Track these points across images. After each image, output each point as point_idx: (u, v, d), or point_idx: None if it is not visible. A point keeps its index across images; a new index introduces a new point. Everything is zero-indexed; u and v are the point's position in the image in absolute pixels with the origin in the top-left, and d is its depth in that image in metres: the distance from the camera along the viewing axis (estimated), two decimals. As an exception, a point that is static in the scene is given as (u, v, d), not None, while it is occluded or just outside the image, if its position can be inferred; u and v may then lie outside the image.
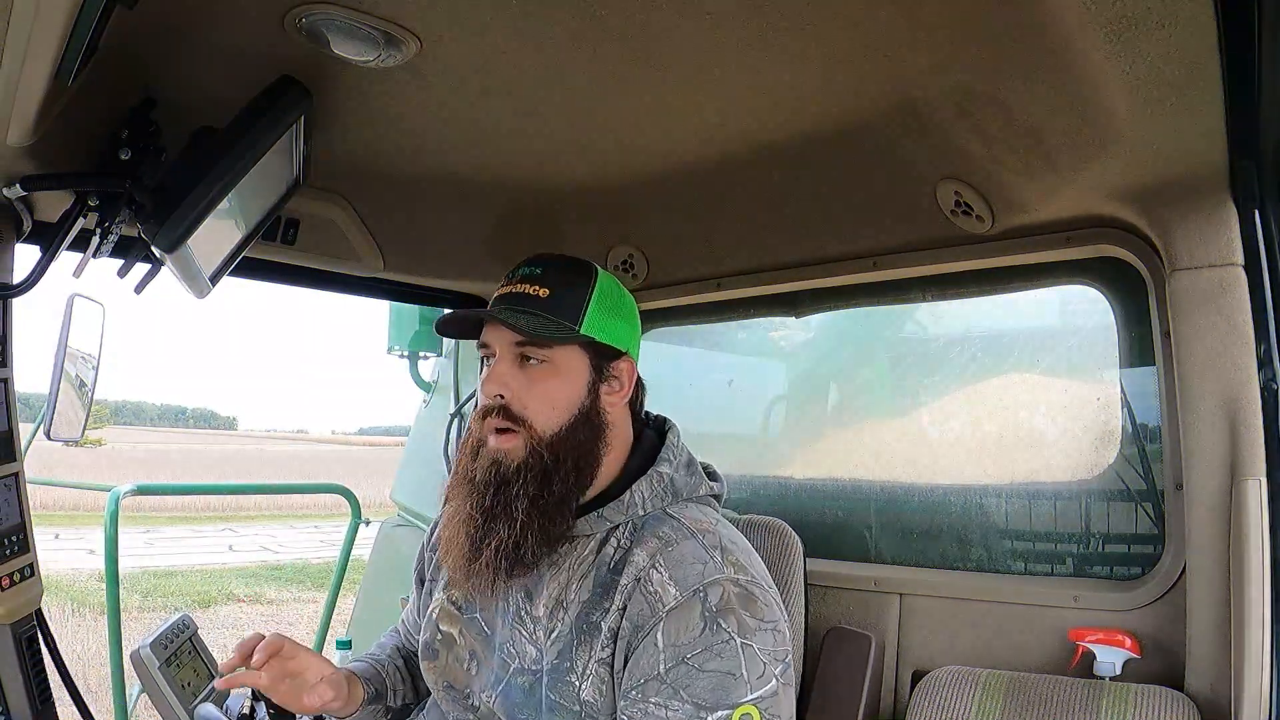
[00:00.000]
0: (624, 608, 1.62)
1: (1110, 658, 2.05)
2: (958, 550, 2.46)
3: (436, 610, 1.90)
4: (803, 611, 2.25)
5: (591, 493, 1.75)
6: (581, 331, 1.71)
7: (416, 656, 2.00)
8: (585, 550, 1.72)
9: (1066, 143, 1.83)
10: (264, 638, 1.85)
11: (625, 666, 1.60)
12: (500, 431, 1.71)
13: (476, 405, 1.78)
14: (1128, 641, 2.05)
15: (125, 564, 4.81)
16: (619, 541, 1.71)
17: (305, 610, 12.07)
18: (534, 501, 1.66)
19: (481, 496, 1.70)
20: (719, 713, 1.52)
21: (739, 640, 1.55)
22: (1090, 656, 2.07)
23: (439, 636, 1.87)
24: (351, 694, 1.93)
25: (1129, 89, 1.56)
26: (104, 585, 4.89)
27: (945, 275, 2.40)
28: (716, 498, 1.87)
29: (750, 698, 1.53)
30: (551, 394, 1.71)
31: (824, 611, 2.47)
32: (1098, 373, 2.32)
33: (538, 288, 1.73)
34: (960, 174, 2.06)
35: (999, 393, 2.47)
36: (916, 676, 2.25)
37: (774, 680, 1.56)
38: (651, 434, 1.86)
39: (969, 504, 2.46)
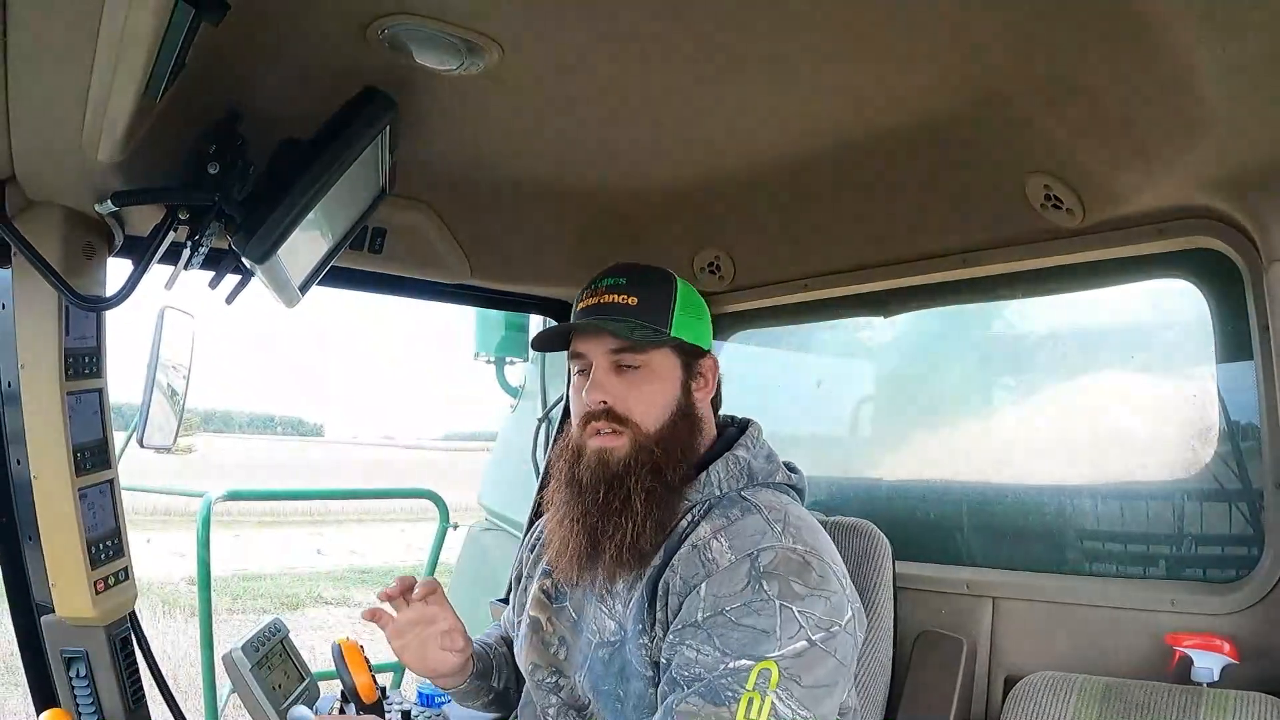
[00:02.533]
0: (677, 568, 1.73)
1: (1208, 663, 1.98)
2: (1050, 552, 2.41)
3: (529, 599, 2.00)
4: (891, 615, 2.22)
5: (697, 458, 1.87)
6: (671, 334, 1.84)
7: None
8: (684, 546, 1.78)
9: (1157, 131, 1.78)
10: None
11: (675, 618, 1.70)
12: (605, 434, 1.82)
13: (566, 412, 1.85)
14: (1226, 647, 1.98)
15: (216, 567, 4.91)
16: (692, 518, 1.81)
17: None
18: (650, 494, 1.78)
19: (595, 495, 1.81)
20: (741, 661, 1.59)
21: (778, 602, 1.62)
22: (1187, 662, 2.00)
23: (530, 622, 1.98)
24: (465, 662, 2.03)
25: (1221, 73, 1.51)
26: (195, 588, 5.00)
27: (1035, 271, 2.35)
28: (797, 491, 1.94)
29: (774, 654, 1.59)
30: (652, 395, 1.84)
31: (914, 615, 2.42)
32: (1192, 369, 2.25)
33: (626, 296, 1.84)
34: (1049, 167, 2.01)
35: (1090, 391, 2.41)
36: (1009, 682, 2.21)
37: (805, 642, 1.61)
38: (734, 430, 1.96)
39: (1061, 504, 2.41)
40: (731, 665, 1.59)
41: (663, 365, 1.85)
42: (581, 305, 1.88)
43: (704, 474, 1.84)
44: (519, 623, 2.05)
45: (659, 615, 1.74)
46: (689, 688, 1.61)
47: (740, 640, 1.61)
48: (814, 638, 1.62)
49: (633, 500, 1.77)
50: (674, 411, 1.84)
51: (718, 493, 1.83)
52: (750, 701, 1.56)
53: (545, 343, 2.00)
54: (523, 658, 1.99)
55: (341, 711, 2.13)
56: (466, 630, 2.02)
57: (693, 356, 1.89)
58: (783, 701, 1.57)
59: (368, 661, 2.07)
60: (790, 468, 1.96)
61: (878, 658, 2.16)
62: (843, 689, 1.71)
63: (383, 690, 2.06)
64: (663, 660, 1.69)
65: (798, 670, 1.59)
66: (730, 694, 1.57)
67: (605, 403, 1.82)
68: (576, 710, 1.89)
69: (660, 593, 1.74)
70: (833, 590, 1.68)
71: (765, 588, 1.64)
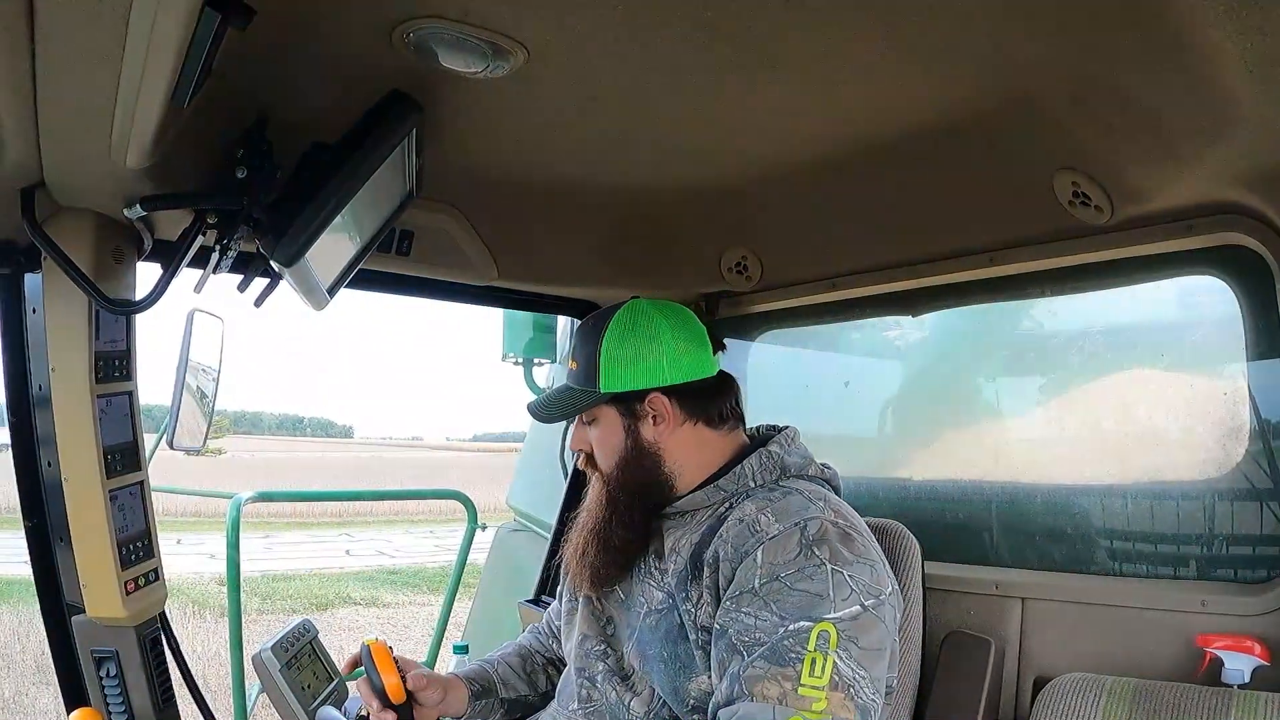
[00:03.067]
0: (725, 538, 1.85)
1: (1239, 665, 1.97)
2: (1079, 552, 2.40)
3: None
4: (921, 615, 2.21)
5: (702, 476, 2.02)
6: (601, 390, 2.01)
7: (542, 654, 2.40)
8: (704, 516, 1.97)
9: (1186, 127, 1.76)
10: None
11: (729, 586, 1.80)
12: (589, 468, 2.12)
13: None
14: (1257, 648, 1.97)
15: (245, 568, 4.95)
16: (732, 503, 1.94)
17: (420, 613, 12.31)
18: (617, 522, 2.01)
19: (592, 518, 2.08)
20: (801, 624, 1.68)
21: (830, 566, 1.74)
22: (1218, 663, 1.99)
23: (584, 600, 2.12)
24: (453, 695, 2.18)
25: (1249, 68, 1.49)
26: (224, 588, 5.04)
27: (1063, 269, 2.33)
28: (833, 487, 2.03)
29: (831, 616, 1.68)
30: (601, 444, 2.07)
31: (943, 615, 2.42)
32: (1223, 367, 2.23)
33: (572, 362, 2.10)
34: (1077, 164, 1.99)
35: (1119, 389, 2.40)
36: (1039, 683, 2.20)
37: (859, 606, 1.71)
38: (770, 433, 2.10)
39: (1090, 504, 2.39)
40: (791, 628, 1.68)
41: (605, 417, 2.05)
42: None
43: (739, 466, 1.97)
44: (568, 606, 2.20)
45: (706, 583, 1.84)
46: (751, 653, 1.69)
47: (797, 603, 1.70)
48: (865, 603, 1.72)
49: (610, 524, 2.02)
50: (624, 454, 2.03)
51: (753, 483, 1.96)
52: (814, 661, 1.65)
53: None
54: (575, 631, 2.12)
55: (368, 714, 2.14)
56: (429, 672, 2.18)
57: (632, 401, 2.02)
58: (843, 661, 1.65)
59: (396, 662, 2.08)
60: (825, 467, 2.07)
61: (907, 658, 2.15)
62: (888, 657, 1.77)
63: (410, 693, 2.07)
64: (716, 626, 1.79)
65: (854, 632, 1.68)
66: (794, 655, 1.66)
67: (581, 450, 2.12)
68: (621, 677, 2.00)
69: (707, 563, 1.85)
70: (874, 560, 1.81)
71: (817, 553, 1.75)
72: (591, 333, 2.06)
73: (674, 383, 2.00)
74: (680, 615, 1.88)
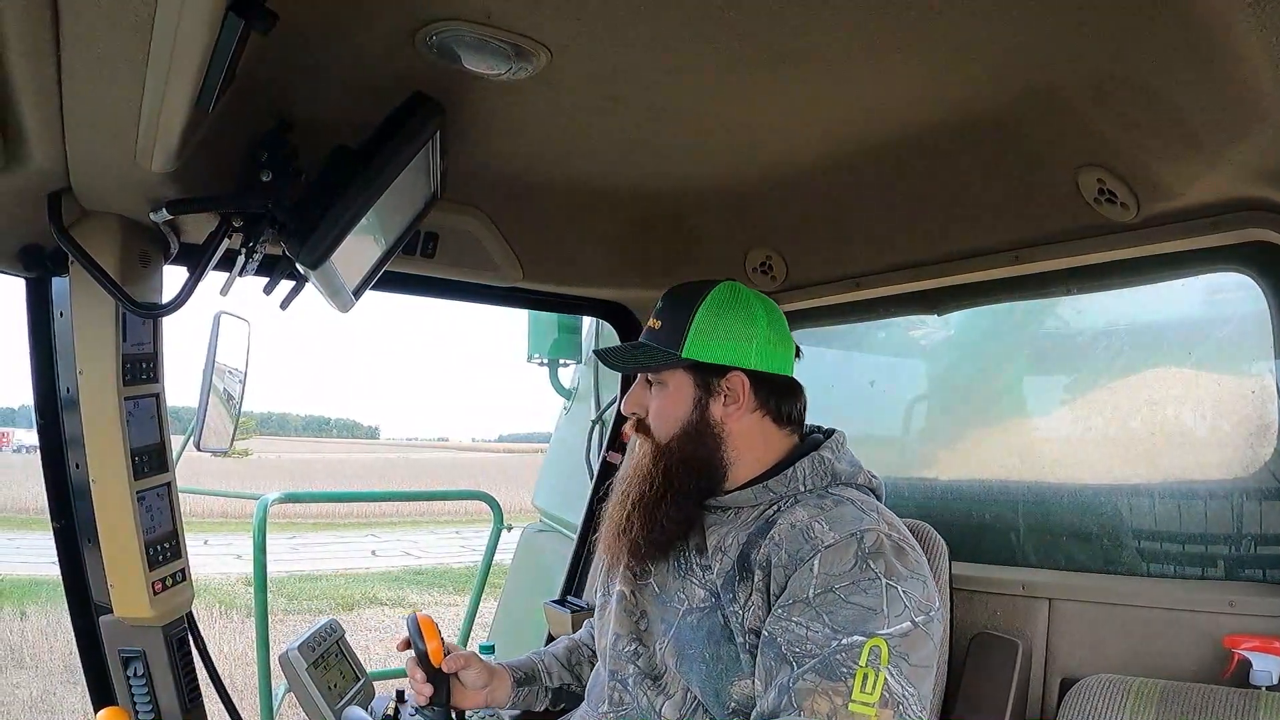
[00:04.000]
0: (779, 543, 1.81)
1: (1267, 666, 1.95)
2: (1106, 553, 2.38)
3: (618, 577, 2.10)
4: (948, 615, 2.21)
5: (756, 471, 1.98)
6: (683, 355, 1.96)
7: (589, 647, 2.38)
8: (750, 516, 1.93)
9: (1211, 122, 1.74)
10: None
11: (782, 593, 1.77)
12: (639, 436, 2.04)
13: (620, 413, 1.96)
14: (1286, 650, 1.96)
15: (272, 568, 4.98)
16: (780, 506, 1.90)
17: (446, 613, 12.31)
18: (666, 495, 1.95)
19: (638, 486, 2.00)
20: (853, 638, 1.65)
21: (885, 581, 1.71)
22: (1246, 665, 1.97)
23: (618, 595, 2.08)
24: (498, 682, 2.21)
25: (1275, 62, 1.48)
26: (251, 589, 5.06)
27: (1088, 267, 2.31)
28: (877, 496, 2.00)
29: (884, 632, 1.66)
30: (664, 411, 2.01)
31: (970, 616, 2.41)
32: (1251, 364, 2.21)
33: (656, 320, 2.04)
34: (1102, 160, 1.98)
35: (1146, 388, 2.38)
36: (1065, 684, 2.19)
37: (910, 623, 1.68)
38: (819, 436, 2.06)
39: (1117, 504, 2.38)
40: (844, 641, 1.66)
41: (676, 384, 2.00)
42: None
43: (791, 468, 1.94)
44: (600, 603, 2.19)
45: (757, 585, 1.81)
46: (801, 665, 1.67)
47: (850, 617, 1.68)
48: (916, 619, 1.70)
49: (661, 500, 1.95)
50: (687, 425, 1.98)
51: (802, 488, 1.92)
52: (865, 677, 1.63)
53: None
54: (608, 631, 2.08)
55: (395, 714, 2.16)
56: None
57: (712, 374, 1.97)
58: (894, 678, 1.63)
59: (440, 634, 2.16)
60: (872, 475, 2.03)
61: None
62: (936, 669, 1.76)
63: (450, 675, 2.14)
64: (765, 633, 1.76)
65: (905, 649, 1.66)
66: (845, 670, 1.64)
67: (635, 414, 2.05)
68: (652, 679, 1.97)
69: (759, 565, 1.82)
70: (925, 575, 1.79)
71: (873, 566, 1.72)
72: (686, 299, 2.01)
73: (758, 369, 1.97)
74: (726, 616, 1.85)
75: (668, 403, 2.00)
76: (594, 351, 2.13)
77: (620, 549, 2.00)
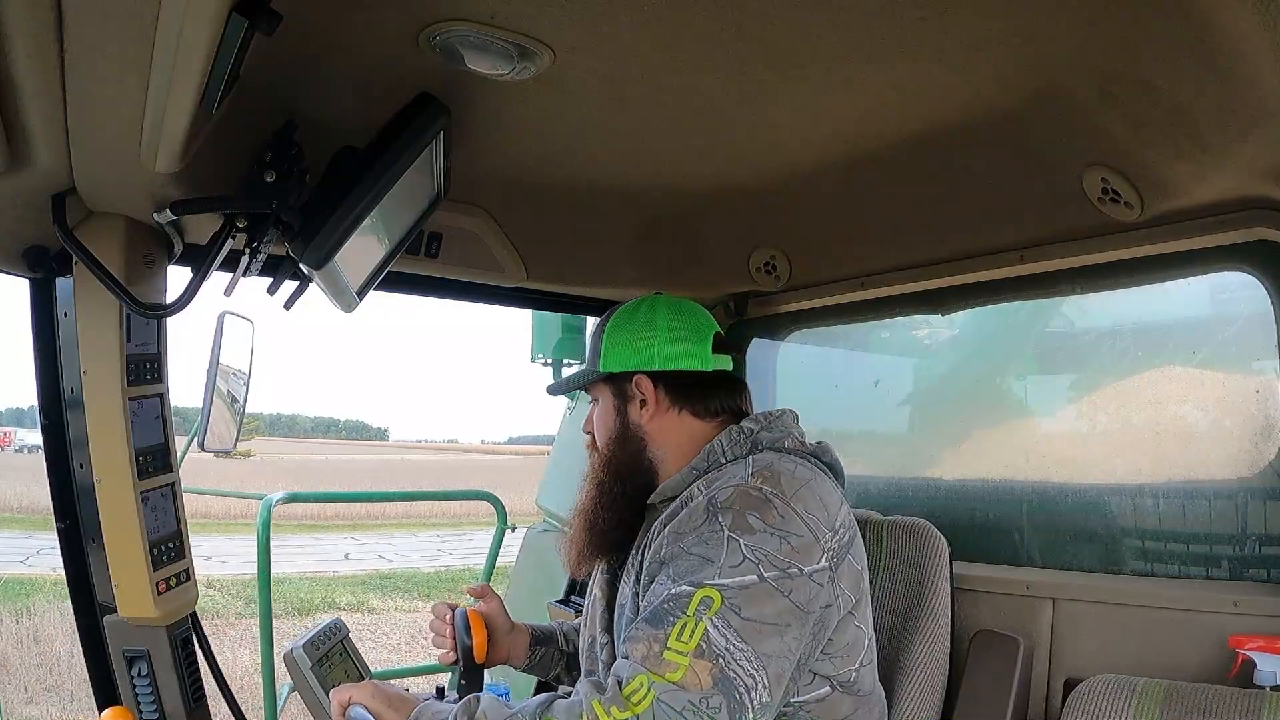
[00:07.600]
0: (671, 516, 1.88)
1: (1271, 666, 1.94)
2: (1111, 552, 2.38)
3: (595, 582, 2.18)
4: (948, 614, 2.21)
5: (681, 466, 2.02)
6: (600, 370, 2.10)
7: None
8: (676, 504, 1.93)
9: (1216, 121, 1.74)
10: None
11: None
12: (589, 449, 2.18)
13: None
14: (1289, 650, 1.95)
15: (240, 570, 4.99)
16: (698, 487, 1.92)
17: (404, 620, 12.34)
18: (611, 500, 2.05)
19: (583, 497, 2.13)
20: (683, 587, 1.68)
21: (727, 533, 1.72)
22: (1250, 665, 1.96)
23: (592, 600, 2.16)
24: (517, 637, 2.34)
25: (1277, 61, 1.48)
26: (214, 591, 5.05)
27: (1093, 266, 2.31)
28: (823, 461, 2.00)
29: (715, 582, 1.67)
30: (598, 424, 2.15)
31: (974, 615, 2.41)
32: (1255, 363, 2.20)
33: (589, 346, 2.18)
34: (1107, 160, 1.98)
35: (1151, 387, 2.38)
36: (1069, 685, 2.18)
37: (755, 576, 1.68)
38: (760, 418, 2.07)
39: (1122, 504, 2.37)
40: (674, 590, 1.69)
41: (604, 396, 2.13)
42: None
43: (708, 445, 2.00)
44: (585, 608, 2.23)
45: (645, 565, 1.89)
46: (639, 616, 1.74)
47: (686, 567, 1.72)
48: (765, 574, 1.68)
49: (596, 506, 2.07)
50: (613, 434, 2.09)
51: (723, 460, 1.97)
52: (684, 625, 1.64)
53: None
54: (585, 633, 2.17)
55: None
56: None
57: (623, 382, 2.09)
58: (717, 628, 1.63)
59: (486, 631, 2.25)
60: (818, 443, 2.04)
61: (935, 657, 2.16)
62: (798, 633, 1.72)
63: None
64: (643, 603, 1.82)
65: (740, 602, 1.66)
66: (671, 618, 1.65)
67: (587, 432, 2.18)
68: None
69: (649, 545, 1.90)
70: (795, 532, 1.75)
71: (720, 519, 1.75)
72: (605, 317, 2.15)
73: (660, 368, 2.05)
74: (633, 607, 1.92)
75: (600, 416, 2.14)
76: (547, 388, 2.33)
77: (571, 556, 2.12)
